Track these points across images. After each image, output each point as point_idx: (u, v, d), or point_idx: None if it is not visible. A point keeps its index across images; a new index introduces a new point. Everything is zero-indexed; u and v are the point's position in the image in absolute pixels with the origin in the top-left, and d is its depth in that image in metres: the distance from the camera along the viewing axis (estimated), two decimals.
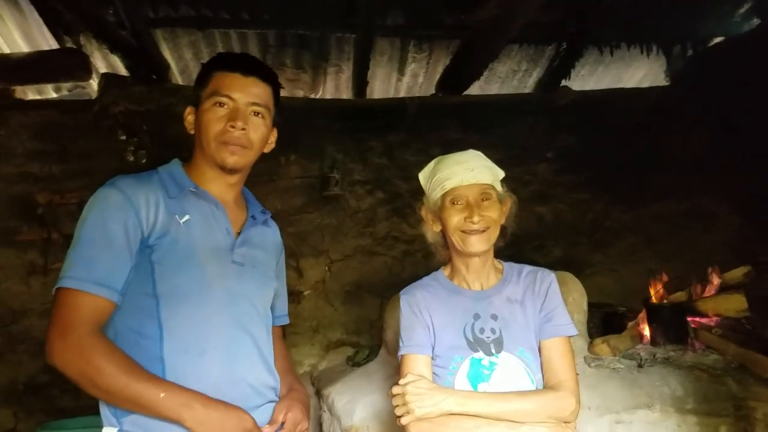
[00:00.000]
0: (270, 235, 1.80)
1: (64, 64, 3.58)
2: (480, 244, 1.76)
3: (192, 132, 1.65)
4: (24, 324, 3.44)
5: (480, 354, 1.73)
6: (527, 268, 1.86)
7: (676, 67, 4.18)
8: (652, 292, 3.08)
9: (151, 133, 3.60)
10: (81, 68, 3.58)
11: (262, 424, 1.51)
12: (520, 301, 1.79)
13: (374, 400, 2.59)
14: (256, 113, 1.61)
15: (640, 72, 4.36)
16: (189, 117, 1.66)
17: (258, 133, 1.62)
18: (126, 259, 1.45)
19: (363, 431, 2.48)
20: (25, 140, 3.66)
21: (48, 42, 3.70)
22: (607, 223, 3.98)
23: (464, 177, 1.78)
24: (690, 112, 4.01)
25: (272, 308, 1.77)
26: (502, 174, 1.89)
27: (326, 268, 3.81)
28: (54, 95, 4.07)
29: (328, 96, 4.18)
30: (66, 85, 3.99)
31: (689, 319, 2.83)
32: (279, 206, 3.76)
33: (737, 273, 2.96)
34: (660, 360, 2.66)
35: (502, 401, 1.64)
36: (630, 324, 2.91)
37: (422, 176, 1.94)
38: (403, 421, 1.65)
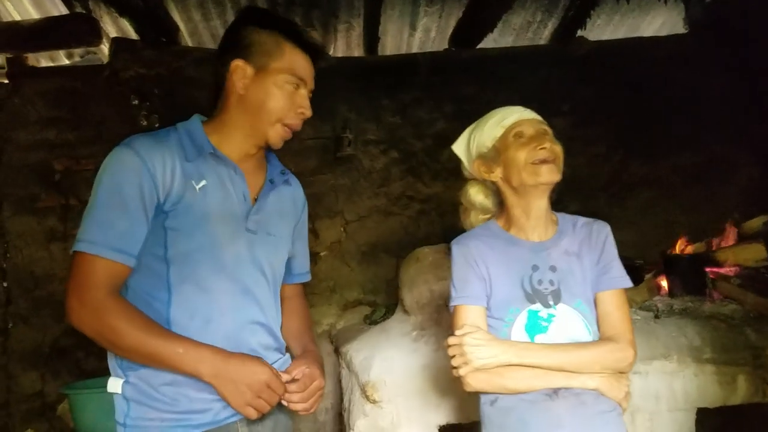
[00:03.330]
0: (289, 196, 1.76)
1: (73, 30, 3.55)
2: (552, 174, 1.69)
3: (242, 92, 1.56)
4: (47, 289, 3.51)
5: (537, 306, 1.69)
6: (582, 220, 1.81)
7: (695, 14, 4.03)
8: (679, 244, 3.04)
9: (163, 97, 3.60)
10: (91, 33, 3.55)
11: None
12: (577, 254, 1.74)
13: (391, 356, 2.62)
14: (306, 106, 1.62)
15: (657, 20, 4.22)
16: (241, 73, 1.55)
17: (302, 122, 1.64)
18: (142, 223, 1.45)
19: (380, 386, 2.51)
20: (39, 108, 3.68)
21: (58, 8, 3.68)
22: (625, 176, 3.92)
23: (523, 113, 1.77)
24: (710, 61, 3.90)
25: (290, 267, 1.78)
26: None
27: (342, 229, 3.82)
28: (66, 62, 4.07)
29: (339, 54, 4.11)
30: (78, 51, 3.98)
31: (707, 269, 2.81)
32: (292, 168, 3.63)
33: (756, 222, 2.92)
34: (677, 311, 2.65)
35: (561, 352, 1.62)
36: (647, 276, 2.89)
37: (461, 141, 1.91)
38: (461, 372, 1.63)
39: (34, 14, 3.71)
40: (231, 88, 1.58)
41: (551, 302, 1.69)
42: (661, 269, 2.87)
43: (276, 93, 1.55)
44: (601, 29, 4.18)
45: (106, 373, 3.06)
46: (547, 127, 1.77)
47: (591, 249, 1.74)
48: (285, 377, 1.54)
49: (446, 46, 3.98)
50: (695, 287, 2.78)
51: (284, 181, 1.72)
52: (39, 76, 3.75)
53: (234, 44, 1.60)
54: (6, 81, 3.68)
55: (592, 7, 3.82)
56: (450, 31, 3.91)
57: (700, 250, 2.96)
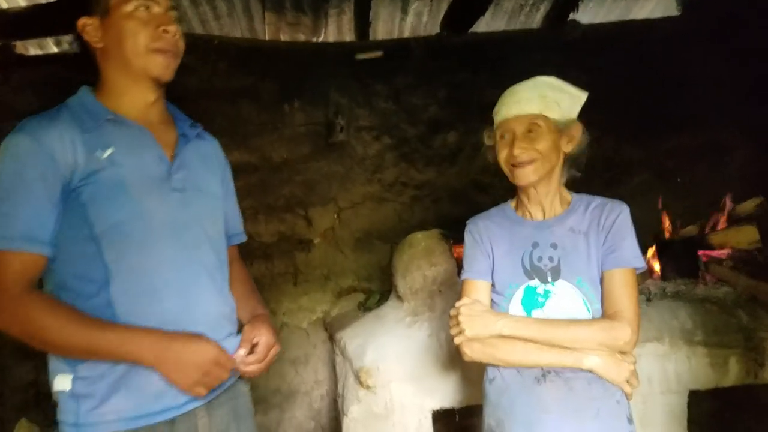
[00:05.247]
0: (209, 150, 1.68)
1: (62, 17, 3.52)
2: (525, 176, 1.74)
3: (99, 45, 1.47)
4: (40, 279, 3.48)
5: (535, 282, 1.73)
6: (597, 200, 1.79)
7: None
8: (665, 223, 3.05)
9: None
10: (79, 20, 3.52)
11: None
12: (585, 233, 1.73)
13: (384, 342, 2.62)
14: (175, 18, 1.51)
15: (650, 2, 4.20)
16: (89, 29, 1.47)
17: (182, 40, 1.52)
18: (48, 208, 1.35)
19: (373, 372, 2.52)
20: (29, 96, 3.63)
21: None
22: (619, 159, 3.92)
23: (510, 110, 1.76)
24: (703, 43, 3.88)
25: (224, 229, 1.69)
26: (566, 100, 1.79)
27: (335, 216, 3.81)
28: (55, 49, 4.03)
29: (330, 39, 4.08)
30: (66, 39, 3.94)
31: (700, 252, 2.81)
32: (285, 155, 3.73)
33: (749, 205, 2.92)
34: (670, 294, 2.65)
35: (554, 327, 1.63)
36: None
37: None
38: (456, 341, 1.70)
39: (21, 2, 3.66)
40: (92, 48, 1.50)
41: (550, 278, 1.72)
42: (654, 253, 2.87)
43: (128, 24, 1.44)
44: (593, 12, 4.16)
45: None
46: (539, 122, 1.73)
47: (600, 228, 1.72)
48: (240, 354, 1.50)
49: (438, 31, 3.95)
50: (688, 270, 2.78)
51: (197, 135, 1.63)
52: (28, 64, 3.70)
53: (74, 9, 1.51)
54: None
55: None
56: (442, 14, 3.88)
57: (693, 233, 2.96)
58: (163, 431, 1.40)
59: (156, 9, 1.47)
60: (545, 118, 1.74)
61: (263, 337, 1.54)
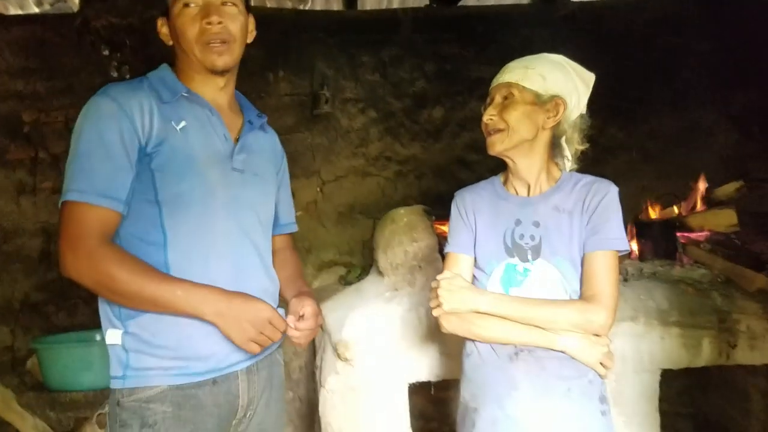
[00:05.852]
0: (268, 141, 1.78)
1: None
2: (491, 145, 1.74)
3: (171, 43, 1.60)
4: (16, 243, 3.45)
5: (515, 260, 1.72)
6: (586, 179, 1.75)
7: None
8: (650, 208, 3.06)
9: (135, 48, 3.50)
10: None
11: None
12: (569, 212, 1.70)
13: (363, 315, 2.62)
14: (225, 2, 1.55)
15: None
16: (163, 29, 1.61)
17: (236, 23, 1.57)
18: (127, 168, 1.44)
19: (352, 345, 2.52)
20: (8, 57, 3.58)
21: None
22: (602, 140, 3.91)
23: (496, 78, 1.79)
24: (691, 25, 3.87)
25: (277, 217, 1.80)
26: (558, 76, 1.74)
27: (318, 189, 3.79)
28: (36, 10, 3.95)
29: (317, 7, 4.02)
30: None
31: (678, 234, 2.83)
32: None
33: (729, 188, 2.94)
34: (647, 274, 2.67)
35: (530, 306, 1.63)
36: None
37: None
38: (434, 313, 1.71)
39: None
40: (168, 44, 1.62)
41: (530, 257, 1.71)
42: (633, 233, 2.89)
43: (178, 22, 1.53)
44: None
45: (76, 328, 3.05)
46: (514, 91, 1.72)
47: (585, 208, 1.69)
48: (290, 319, 1.56)
49: (427, 2, 3.90)
50: (666, 252, 2.80)
51: (261, 126, 1.73)
52: (7, 24, 3.63)
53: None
54: None
55: None
56: None
57: (672, 215, 2.98)
58: (207, 389, 1.49)
59: (200, 1, 1.53)
60: (521, 88, 1.72)
61: (309, 307, 1.61)
